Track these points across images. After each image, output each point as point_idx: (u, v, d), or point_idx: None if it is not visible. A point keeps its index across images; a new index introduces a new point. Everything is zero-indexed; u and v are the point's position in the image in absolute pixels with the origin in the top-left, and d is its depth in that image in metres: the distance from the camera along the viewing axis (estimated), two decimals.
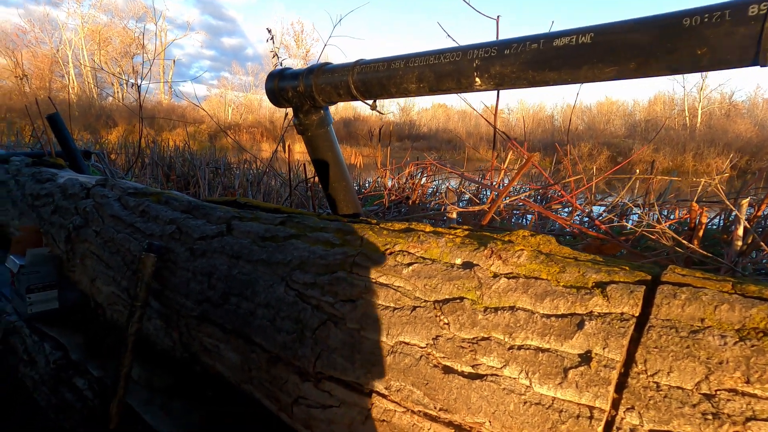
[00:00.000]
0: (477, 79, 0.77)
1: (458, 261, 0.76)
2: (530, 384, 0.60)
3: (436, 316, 0.71)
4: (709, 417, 0.49)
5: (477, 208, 1.33)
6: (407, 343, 0.73)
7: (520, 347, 0.62)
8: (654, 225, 1.35)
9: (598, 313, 0.61)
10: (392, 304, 0.77)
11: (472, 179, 1.79)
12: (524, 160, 1.29)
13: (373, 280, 0.81)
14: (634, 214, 2.46)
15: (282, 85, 1.08)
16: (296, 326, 0.86)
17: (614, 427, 0.54)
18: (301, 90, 1.03)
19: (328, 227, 0.99)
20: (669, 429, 0.50)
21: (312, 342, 0.83)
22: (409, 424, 0.70)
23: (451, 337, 0.68)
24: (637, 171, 2.44)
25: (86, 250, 1.53)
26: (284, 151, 2.74)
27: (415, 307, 0.74)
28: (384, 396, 0.74)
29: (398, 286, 0.78)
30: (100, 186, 1.66)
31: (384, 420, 0.73)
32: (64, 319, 1.74)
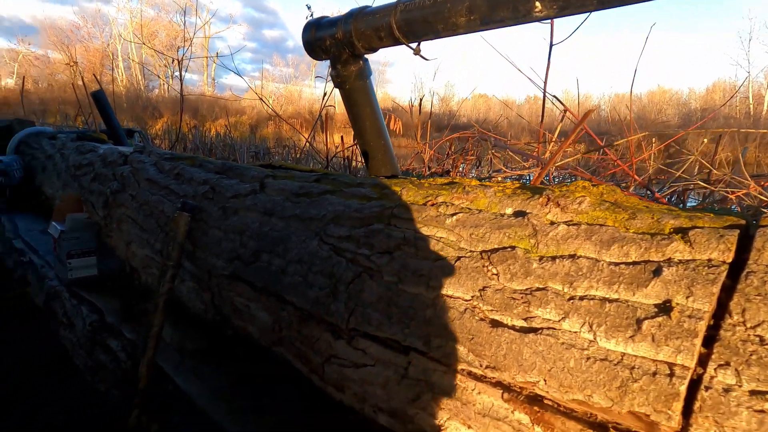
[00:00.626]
0: (537, 4, 0.68)
1: (508, 210, 0.68)
2: (594, 338, 0.52)
3: (484, 266, 0.63)
4: None
5: (526, 171, 1.24)
6: (450, 296, 0.65)
7: (582, 298, 0.54)
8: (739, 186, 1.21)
9: (679, 259, 0.52)
10: (434, 255, 0.70)
11: (518, 151, 1.67)
12: (576, 134, 1.19)
13: (413, 232, 0.74)
14: (692, 199, 2.29)
15: (319, 35, 1.02)
16: (329, 281, 0.80)
17: (701, 387, 0.45)
18: (340, 37, 0.97)
19: (364, 183, 0.93)
20: None
21: (346, 297, 0.77)
22: (451, 384, 0.64)
23: (500, 288, 0.61)
24: (695, 152, 2.25)
25: (122, 214, 1.53)
26: (322, 131, 2.70)
27: (459, 258, 0.66)
28: (423, 353, 0.67)
29: (441, 237, 0.71)
30: (138, 153, 1.66)
31: (422, 380, 0.67)
32: (102, 285, 1.76)
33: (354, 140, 2.00)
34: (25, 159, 3.21)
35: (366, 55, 1.02)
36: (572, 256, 0.57)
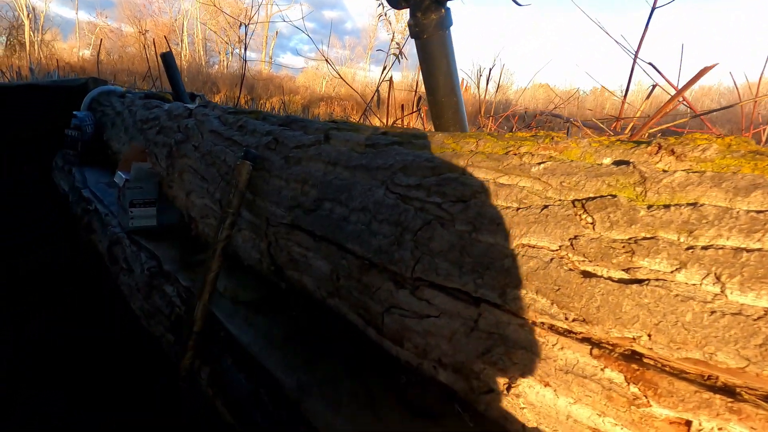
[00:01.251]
0: None
1: (607, 160, 0.61)
2: (723, 290, 0.45)
3: (576, 214, 0.57)
4: None
5: (622, 123, 1.13)
6: (533, 246, 0.60)
7: (706, 247, 0.47)
8: None
9: None
10: (515, 204, 0.64)
11: (597, 125, 1.55)
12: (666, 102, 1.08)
13: (492, 180, 0.68)
14: None
15: None
16: (395, 229, 0.77)
17: None
18: None
19: (435, 135, 0.88)
20: None
21: (412, 245, 0.73)
22: (527, 338, 0.58)
23: (596, 237, 0.54)
24: None
25: (185, 165, 1.55)
26: (378, 107, 2.66)
27: (546, 206, 0.61)
28: (497, 306, 0.62)
29: (524, 186, 0.65)
30: (202, 107, 1.68)
31: (494, 333, 0.62)
32: (160, 235, 1.82)
33: (417, 105, 1.95)
34: (96, 116, 3.36)
35: (448, 2, 0.96)
36: (693, 204, 0.49)
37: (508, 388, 0.63)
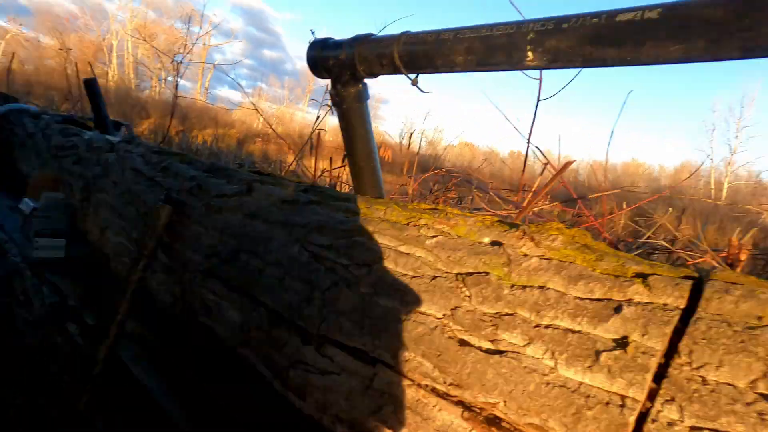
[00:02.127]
0: (529, 53, 0.74)
1: (486, 239, 0.71)
2: (555, 365, 0.55)
3: (458, 287, 0.66)
4: (767, 418, 0.43)
5: (505, 212, 1.29)
6: (423, 312, 0.68)
7: (547, 326, 0.57)
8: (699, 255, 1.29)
9: (639, 301, 0.56)
10: (411, 272, 0.72)
11: (499, 194, 1.73)
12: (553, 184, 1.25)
13: (393, 248, 0.76)
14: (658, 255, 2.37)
15: (324, 54, 1.06)
16: (305, 287, 0.82)
17: (649, 420, 0.48)
18: (343, 58, 1.01)
19: (350, 198, 0.95)
20: (715, 427, 0.45)
21: (320, 303, 0.78)
22: (414, 399, 0.65)
23: (471, 310, 0.63)
24: (659, 223, 2.36)
25: (101, 199, 1.51)
26: (311, 153, 2.73)
27: (435, 277, 0.69)
28: (390, 366, 0.69)
29: (419, 256, 0.73)
30: (126, 142, 1.66)
31: (386, 392, 0.68)
32: (67, 269, 1.72)
33: (343, 161, 2.04)
34: (4, 133, 3.13)
35: (365, 80, 1.06)
36: (542, 287, 0.60)
37: None
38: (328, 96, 2.52)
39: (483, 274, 0.65)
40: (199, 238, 1.07)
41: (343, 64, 1.01)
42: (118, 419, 1.08)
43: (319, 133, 1.87)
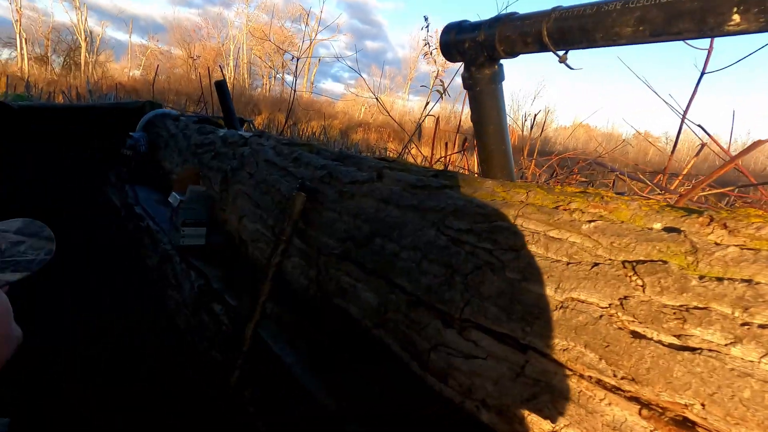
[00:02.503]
0: (736, 16, 0.64)
1: (657, 225, 0.64)
2: None
3: (626, 275, 0.61)
4: None
5: (660, 197, 1.16)
6: (582, 301, 0.63)
7: (763, 326, 0.49)
8: None
9: None
10: (565, 258, 0.68)
11: (637, 178, 1.56)
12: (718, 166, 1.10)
13: (542, 233, 0.72)
14: None
15: (459, 37, 1.04)
16: (445, 270, 0.81)
17: None
18: (481, 39, 0.98)
19: (485, 182, 0.92)
20: None
21: (462, 287, 0.77)
22: (575, 390, 0.61)
23: (646, 300, 0.57)
24: None
25: (238, 190, 1.65)
26: (419, 140, 2.74)
27: (596, 264, 0.64)
28: (544, 354, 0.65)
29: (574, 242, 0.69)
30: (257, 136, 1.79)
31: (541, 381, 0.65)
32: (208, 256, 1.91)
33: (462, 146, 2.01)
34: (151, 136, 3.57)
35: (502, 60, 1.02)
36: (748, 281, 0.52)
37: None
38: (437, 83, 2.49)
39: (659, 263, 0.59)
40: (333, 223, 1.11)
41: (481, 46, 0.98)
42: (263, 394, 1.17)
43: (437, 119, 1.85)
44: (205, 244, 2.00)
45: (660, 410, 0.54)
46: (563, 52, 0.87)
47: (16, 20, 22.03)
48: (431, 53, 2.80)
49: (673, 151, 1.30)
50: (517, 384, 0.67)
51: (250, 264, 1.60)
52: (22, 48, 22.32)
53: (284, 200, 1.34)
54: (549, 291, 0.67)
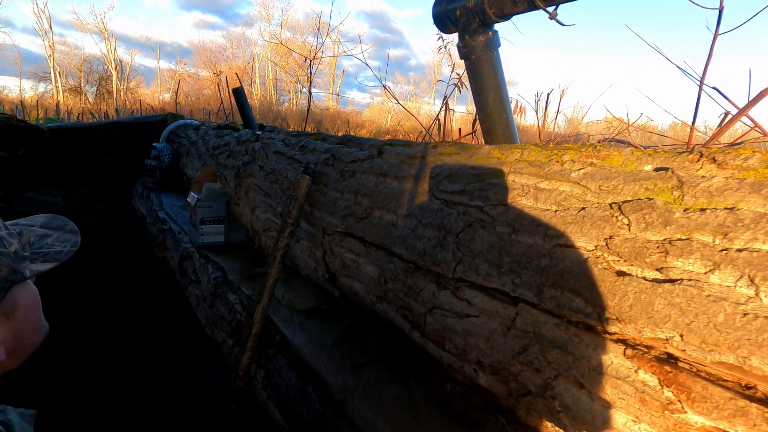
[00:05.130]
0: None
1: (647, 167, 0.63)
2: (756, 293, 0.45)
3: (612, 215, 0.59)
4: None
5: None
6: (569, 246, 0.62)
7: (740, 250, 0.47)
8: None
9: None
10: (554, 207, 0.66)
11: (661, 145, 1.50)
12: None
13: (532, 185, 0.71)
14: None
15: (450, 6, 1.04)
16: (438, 233, 0.80)
17: None
18: (471, 5, 0.98)
19: (482, 147, 0.92)
20: None
21: (454, 247, 0.76)
22: (563, 337, 0.59)
23: (630, 238, 0.56)
24: None
25: (251, 183, 1.68)
26: (438, 133, 2.75)
27: (583, 208, 0.63)
28: (533, 305, 0.64)
29: (563, 190, 0.67)
30: (268, 131, 1.83)
31: (530, 332, 0.63)
32: (226, 251, 1.96)
33: (473, 127, 1.99)
34: (173, 146, 3.70)
35: (495, 26, 1.02)
36: (730, 209, 0.50)
37: (544, 390, 0.63)
38: (454, 77, 2.49)
39: (645, 201, 0.57)
40: (336, 202, 1.12)
41: (471, 12, 0.98)
42: (274, 374, 1.18)
43: (446, 102, 1.84)
44: (224, 242, 2.06)
45: (644, 349, 0.52)
46: (553, 8, 0.86)
47: (50, 55, 23.30)
48: (445, 47, 2.79)
49: (693, 121, 1.24)
50: (508, 338, 0.66)
51: (264, 254, 1.62)
52: (56, 81, 23.58)
53: (292, 187, 1.36)
54: (537, 240, 0.66)
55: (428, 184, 0.89)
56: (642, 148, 0.70)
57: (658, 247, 0.53)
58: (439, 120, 2.96)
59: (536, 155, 0.77)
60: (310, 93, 3.15)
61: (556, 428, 0.67)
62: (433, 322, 0.79)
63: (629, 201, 0.59)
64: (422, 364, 1.00)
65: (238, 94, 3.11)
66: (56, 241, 0.56)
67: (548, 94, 1.97)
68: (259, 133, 1.92)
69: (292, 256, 1.34)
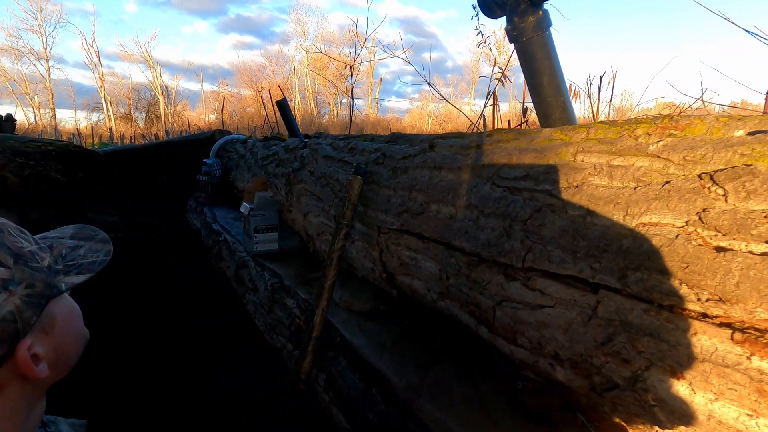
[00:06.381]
0: None
1: (739, 132, 0.57)
2: None
3: (704, 187, 0.53)
4: None
5: None
6: (654, 224, 0.57)
7: None
8: None
9: None
10: (632, 184, 0.61)
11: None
12: None
13: (605, 163, 0.66)
14: None
15: None
16: (503, 222, 0.77)
17: None
18: None
19: (543, 131, 0.87)
20: None
21: (522, 235, 0.72)
22: (654, 324, 0.54)
23: (729, 209, 0.50)
24: None
25: (302, 189, 1.70)
26: (484, 129, 2.69)
27: (667, 182, 0.57)
28: (617, 291, 0.59)
29: (640, 165, 0.62)
30: (315, 138, 1.84)
31: (615, 320, 0.58)
32: (281, 258, 1.99)
33: (524, 117, 1.93)
34: (223, 161, 3.83)
35: (545, 4, 0.97)
36: None
37: (634, 383, 0.58)
38: (496, 71, 2.43)
39: (742, 167, 0.51)
40: (389, 199, 1.10)
41: None
42: (335, 376, 1.17)
43: (495, 95, 1.79)
44: (278, 249, 2.09)
45: (756, 332, 0.46)
46: None
47: (100, 86, 25.01)
48: (485, 41, 2.73)
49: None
50: (589, 328, 0.62)
51: (319, 259, 1.63)
52: (108, 109, 25.23)
53: (343, 189, 1.36)
54: (617, 220, 0.61)
55: (487, 172, 0.86)
56: (728, 115, 0.64)
57: (766, 217, 0.47)
58: (484, 116, 2.90)
59: (604, 132, 0.72)
60: (351, 98, 3.17)
61: (648, 425, 0.61)
62: (502, 315, 0.75)
63: (722, 170, 0.53)
64: (489, 360, 0.95)
65: (282, 105, 3.18)
66: (88, 251, 0.55)
67: (600, 78, 1.87)
68: (306, 140, 1.94)
69: (348, 258, 1.34)
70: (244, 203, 2.22)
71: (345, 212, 1.20)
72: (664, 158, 0.60)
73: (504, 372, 0.89)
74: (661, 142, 0.61)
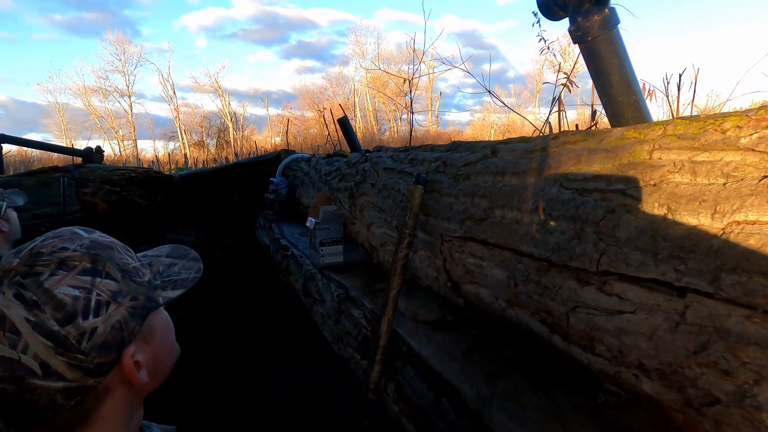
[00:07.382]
0: None
1: None
2: None
3: None
4: None
5: None
6: (751, 222, 0.51)
7: None
8: None
9: None
10: (721, 180, 0.56)
11: None
12: None
13: (687, 160, 0.62)
14: None
15: None
16: (573, 225, 0.73)
17: None
18: None
19: (613, 131, 0.83)
20: None
21: (594, 237, 0.68)
22: (758, 331, 0.49)
23: None
24: None
25: (364, 201, 1.73)
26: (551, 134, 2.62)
27: (765, 176, 0.52)
28: (708, 295, 0.54)
29: (730, 160, 0.57)
30: (376, 151, 1.87)
31: (708, 326, 0.53)
32: (346, 270, 2.02)
33: (593, 119, 1.85)
34: (289, 179, 3.98)
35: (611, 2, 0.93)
36: None
37: (740, 398, 0.52)
38: (560, 77, 2.35)
39: None
40: (451, 207, 1.09)
41: None
42: (404, 385, 1.16)
43: (561, 100, 1.74)
44: (343, 262, 2.13)
45: None
46: None
47: (176, 117, 27.13)
48: (548, 48, 2.66)
49: None
50: (677, 336, 0.57)
51: (383, 270, 1.64)
52: (182, 138, 27.25)
53: (405, 199, 1.36)
54: (704, 219, 0.56)
55: (553, 175, 0.82)
56: None
57: None
58: (549, 123, 2.80)
59: (685, 128, 0.67)
60: (411, 111, 3.20)
61: None
62: (577, 322, 0.71)
63: None
64: (564, 371, 0.91)
65: (343, 123, 3.27)
66: (182, 269, 0.59)
67: (680, 75, 1.75)
68: (367, 154, 1.98)
69: (412, 268, 1.33)
70: (310, 218, 2.29)
71: (407, 221, 1.20)
72: (760, 151, 0.54)
73: (582, 384, 0.84)
74: (755, 135, 0.56)
